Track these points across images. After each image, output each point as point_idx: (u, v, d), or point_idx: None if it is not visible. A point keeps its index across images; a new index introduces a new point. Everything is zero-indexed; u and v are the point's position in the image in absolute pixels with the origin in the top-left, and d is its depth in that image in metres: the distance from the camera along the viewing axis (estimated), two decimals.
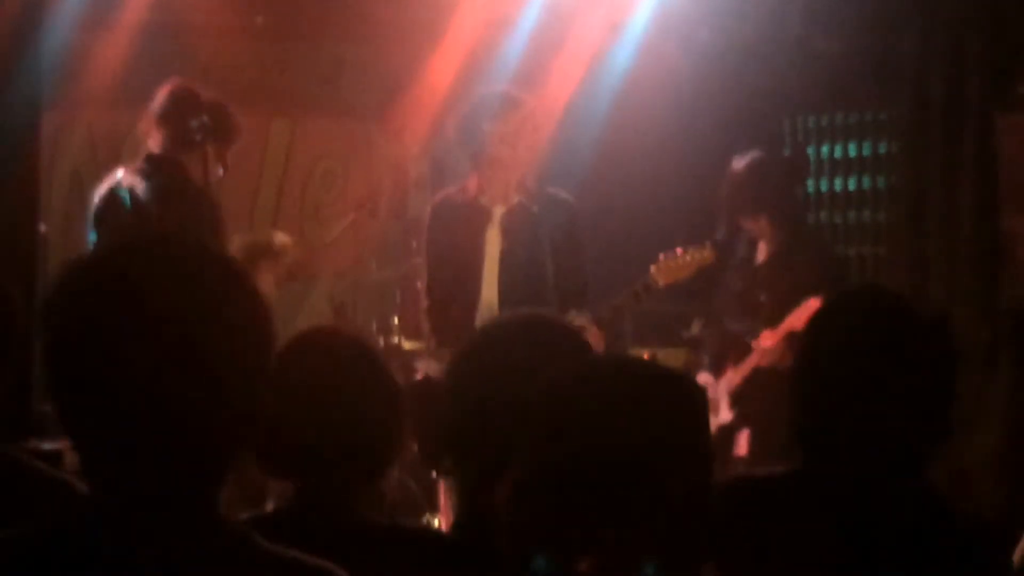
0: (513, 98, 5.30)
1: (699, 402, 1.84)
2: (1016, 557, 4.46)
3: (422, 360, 5.66)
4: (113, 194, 5.11)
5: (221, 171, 5.42)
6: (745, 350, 5.61)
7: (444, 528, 5.62)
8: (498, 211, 5.33)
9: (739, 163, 5.65)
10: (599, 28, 7.12)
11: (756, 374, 5.51)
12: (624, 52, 7.11)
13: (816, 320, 2.51)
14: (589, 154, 7.01)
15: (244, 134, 5.42)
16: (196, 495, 1.61)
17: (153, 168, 5.19)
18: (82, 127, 7.31)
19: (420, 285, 5.82)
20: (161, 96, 5.26)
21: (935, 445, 2.39)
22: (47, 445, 3.54)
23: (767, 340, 5.44)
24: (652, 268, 5.30)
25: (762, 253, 5.67)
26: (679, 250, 5.31)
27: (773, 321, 5.44)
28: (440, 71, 7.83)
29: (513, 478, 1.81)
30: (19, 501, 2.38)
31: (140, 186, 5.15)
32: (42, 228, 5.12)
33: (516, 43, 7.25)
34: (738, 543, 2.33)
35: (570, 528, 1.73)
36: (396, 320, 6.99)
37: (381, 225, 7.67)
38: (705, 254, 5.32)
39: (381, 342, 6.87)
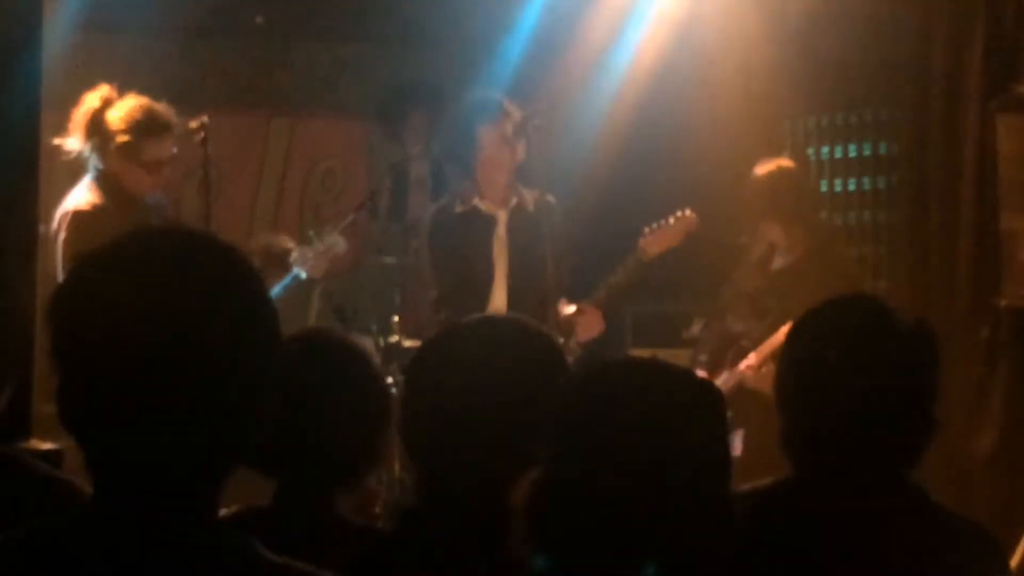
0: (505, 102, 5.31)
1: (717, 405, 1.84)
2: (1016, 558, 4.47)
3: None
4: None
5: (146, 172, 5.32)
6: (741, 353, 5.61)
7: None
8: (501, 215, 5.34)
9: (761, 169, 5.64)
10: (599, 29, 7.12)
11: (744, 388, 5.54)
12: (623, 52, 7.11)
13: (796, 330, 2.50)
14: (588, 155, 7.00)
15: (163, 130, 5.32)
16: (199, 497, 1.60)
17: (88, 182, 5.21)
18: None
19: (424, 294, 5.80)
20: (80, 106, 5.22)
21: (920, 445, 2.39)
22: (47, 445, 3.54)
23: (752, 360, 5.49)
24: (640, 240, 5.33)
25: (780, 260, 5.65)
26: (664, 220, 5.36)
27: (775, 330, 5.41)
28: (441, 71, 7.83)
29: (533, 479, 1.80)
30: (19, 501, 2.38)
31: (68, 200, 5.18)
32: (42, 228, 5.12)
33: (516, 43, 7.25)
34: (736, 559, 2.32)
35: (587, 529, 1.73)
36: (396, 320, 6.99)
37: (381, 225, 7.67)
38: (689, 218, 5.37)
39: (381, 342, 6.87)
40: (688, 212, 5.40)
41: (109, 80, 5.35)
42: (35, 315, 3.56)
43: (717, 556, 1.78)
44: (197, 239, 1.64)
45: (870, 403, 2.35)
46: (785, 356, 2.49)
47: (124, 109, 5.28)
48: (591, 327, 5.29)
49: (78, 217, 5.17)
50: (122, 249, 1.61)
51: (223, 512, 2.54)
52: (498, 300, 5.33)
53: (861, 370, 2.37)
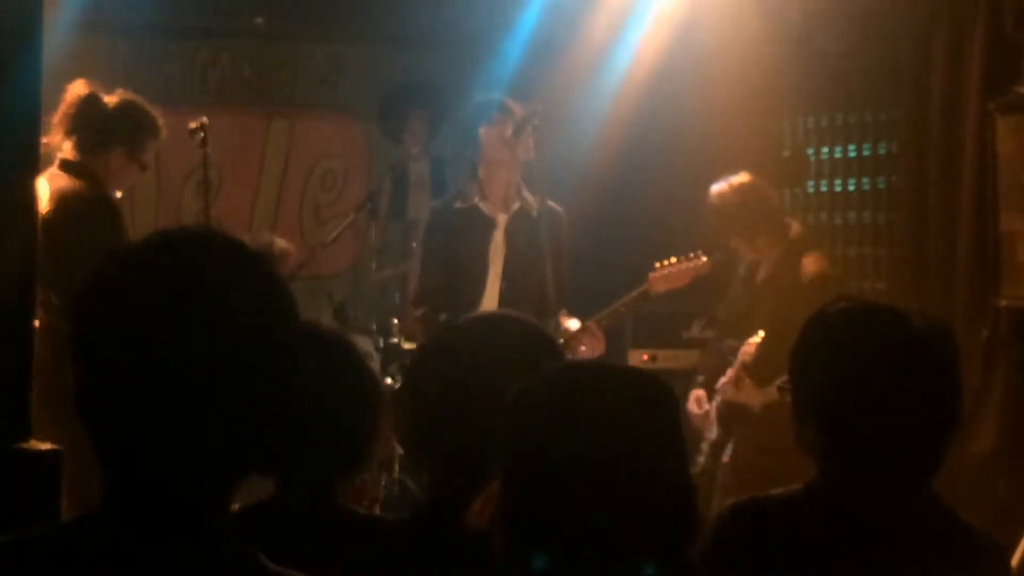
0: (509, 104, 5.32)
1: (669, 401, 1.86)
2: (1015, 559, 4.47)
3: None
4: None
5: (139, 171, 5.28)
6: (723, 370, 5.61)
7: None
8: (501, 218, 5.36)
9: (715, 188, 5.60)
10: (599, 29, 7.12)
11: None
12: (624, 52, 7.11)
13: (808, 334, 2.46)
14: (588, 155, 7.01)
15: (162, 130, 5.28)
16: (208, 502, 1.59)
17: (62, 173, 5.12)
18: None
19: (411, 288, 5.82)
20: (65, 101, 5.16)
21: (944, 447, 2.38)
22: (47, 445, 3.54)
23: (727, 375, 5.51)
24: (650, 276, 5.37)
25: (762, 272, 5.64)
26: (676, 259, 5.39)
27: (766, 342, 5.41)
28: (441, 71, 7.84)
29: (500, 483, 1.82)
30: (19, 501, 2.38)
31: (43, 191, 5.09)
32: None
33: (516, 43, 7.26)
34: (759, 564, 2.32)
35: (554, 529, 1.75)
36: (396, 320, 7.00)
37: (381, 225, 7.68)
38: (701, 263, 5.40)
39: (381, 342, 6.88)
40: (703, 259, 5.40)
41: (109, 80, 5.34)
42: (35, 315, 3.57)
43: (685, 547, 1.80)
44: (220, 242, 1.63)
45: (892, 408, 2.33)
46: (800, 361, 2.45)
47: (130, 107, 5.19)
48: (594, 349, 5.32)
49: (113, 204, 5.07)
50: (146, 249, 1.61)
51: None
52: (489, 302, 5.34)
53: (882, 375, 2.34)
